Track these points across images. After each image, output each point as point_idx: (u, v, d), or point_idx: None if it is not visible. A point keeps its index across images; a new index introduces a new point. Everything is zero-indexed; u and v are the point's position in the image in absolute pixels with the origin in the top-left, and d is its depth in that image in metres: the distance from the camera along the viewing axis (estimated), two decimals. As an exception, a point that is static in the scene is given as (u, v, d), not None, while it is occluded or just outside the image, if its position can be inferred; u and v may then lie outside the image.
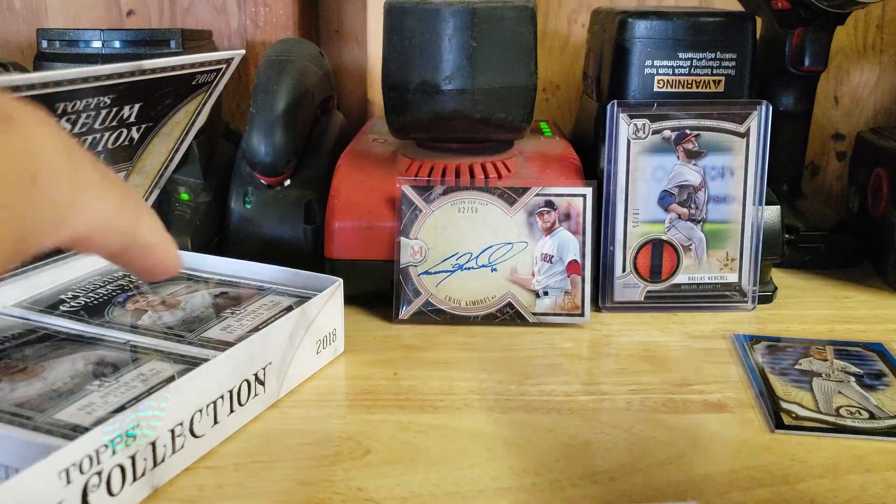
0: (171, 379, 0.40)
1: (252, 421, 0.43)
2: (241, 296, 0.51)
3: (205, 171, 0.65)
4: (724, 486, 0.38)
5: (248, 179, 0.62)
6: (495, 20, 0.54)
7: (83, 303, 0.49)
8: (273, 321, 0.45)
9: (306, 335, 0.47)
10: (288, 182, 0.62)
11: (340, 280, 0.50)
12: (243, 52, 0.49)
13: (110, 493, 0.34)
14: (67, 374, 0.41)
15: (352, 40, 0.88)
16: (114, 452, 0.34)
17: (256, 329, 0.45)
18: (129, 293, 0.51)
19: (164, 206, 0.63)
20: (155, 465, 0.36)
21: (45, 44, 0.61)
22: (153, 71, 0.43)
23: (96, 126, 0.43)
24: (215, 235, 0.64)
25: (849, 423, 0.43)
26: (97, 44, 0.61)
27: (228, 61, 0.48)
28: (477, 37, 0.54)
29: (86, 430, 0.35)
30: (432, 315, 0.55)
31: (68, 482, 0.32)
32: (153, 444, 0.36)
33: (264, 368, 0.43)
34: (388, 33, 0.56)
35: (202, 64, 0.46)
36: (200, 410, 0.39)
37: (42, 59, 0.61)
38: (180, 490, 0.37)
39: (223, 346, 0.43)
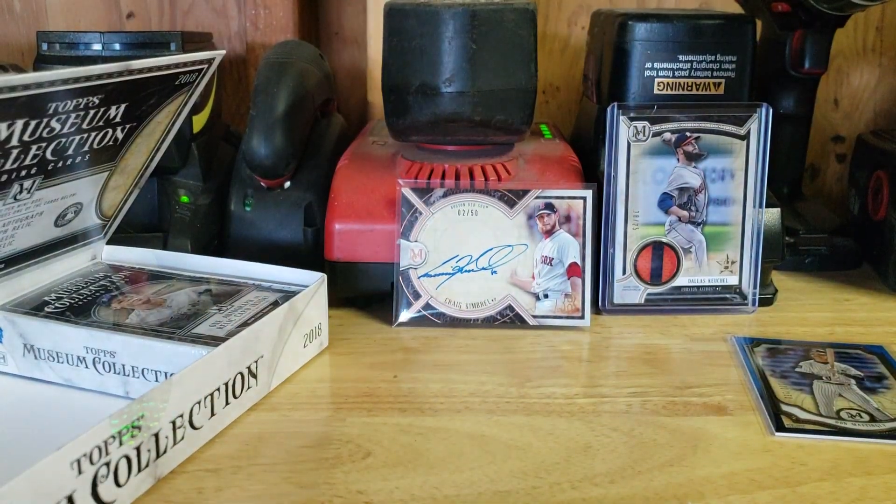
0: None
1: (252, 423, 0.43)
2: (226, 292, 0.51)
3: (205, 173, 0.65)
4: (725, 489, 0.38)
5: (248, 182, 0.62)
6: (495, 22, 0.54)
7: (68, 304, 0.49)
8: (262, 316, 0.46)
9: (294, 329, 0.48)
10: (288, 184, 0.62)
11: (324, 275, 0.51)
12: (223, 52, 0.51)
13: (118, 483, 0.35)
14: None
15: (352, 42, 0.88)
16: (121, 444, 0.35)
17: (246, 324, 0.46)
18: (113, 293, 0.51)
19: (165, 209, 0.63)
20: (158, 456, 0.37)
21: (45, 46, 0.61)
22: (140, 71, 0.44)
23: (84, 126, 0.44)
24: (215, 238, 0.64)
25: (849, 425, 0.43)
26: (97, 46, 0.61)
27: (210, 61, 0.50)
28: (477, 39, 0.54)
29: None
30: (432, 317, 0.55)
31: (79, 472, 0.33)
32: (156, 436, 0.37)
33: (256, 361, 0.44)
34: (388, 35, 0.56)
35: (185, 64, 0.48)
36: (199, 402, 0.40)
37: (42, 62, 0.61)
38: (180, 493, 0.37)
39: (214, 341, 0.44)
